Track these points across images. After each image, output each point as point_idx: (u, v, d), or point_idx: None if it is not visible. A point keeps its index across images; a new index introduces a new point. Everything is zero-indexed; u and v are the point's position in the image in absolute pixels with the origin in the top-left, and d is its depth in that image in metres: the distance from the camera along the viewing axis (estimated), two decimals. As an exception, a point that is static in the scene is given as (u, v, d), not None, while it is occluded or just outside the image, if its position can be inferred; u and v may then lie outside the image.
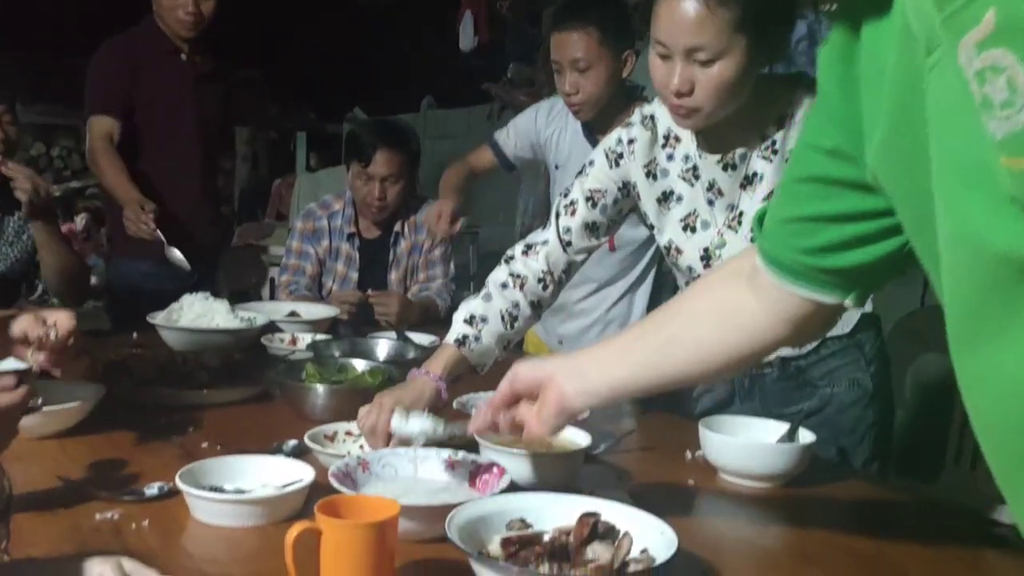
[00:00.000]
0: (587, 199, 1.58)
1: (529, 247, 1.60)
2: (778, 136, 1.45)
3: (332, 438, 1.38)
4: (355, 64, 8.14)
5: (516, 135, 2.50)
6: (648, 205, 1.58)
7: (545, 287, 1.58)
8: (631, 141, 1.57)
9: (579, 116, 2.27)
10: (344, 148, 2.80)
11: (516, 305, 1.55)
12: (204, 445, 1.41)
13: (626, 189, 1.59)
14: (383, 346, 1.97)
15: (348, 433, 1.39)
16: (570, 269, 1.62)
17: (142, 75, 2.65)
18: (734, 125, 1.45)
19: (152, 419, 1.50)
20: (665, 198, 1.56)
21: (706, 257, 1.54)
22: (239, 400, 1.64)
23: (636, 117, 1.60)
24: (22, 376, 1.01)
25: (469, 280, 4.74)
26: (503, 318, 1.54)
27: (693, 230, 1.55)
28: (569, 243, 1.58)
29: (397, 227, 2.74)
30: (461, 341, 1.51)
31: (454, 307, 2.68)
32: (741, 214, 1.50)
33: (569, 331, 2.46)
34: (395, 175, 2.66)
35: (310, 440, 1.33)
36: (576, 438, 1.34)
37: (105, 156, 2.58)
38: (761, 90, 1.42)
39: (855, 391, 1.62)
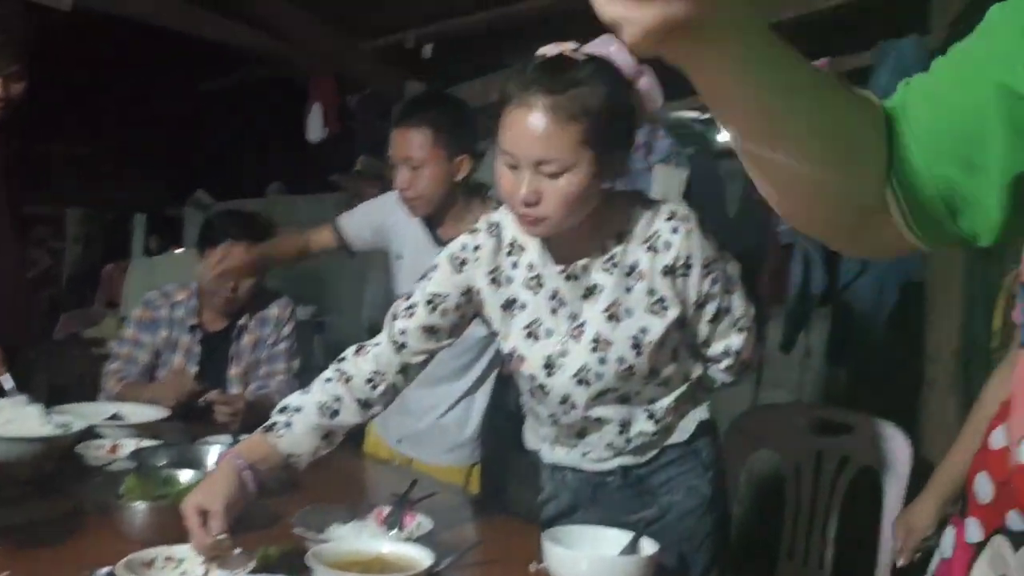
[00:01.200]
0: (427, 303, 1.57)
1: (361, 347, 1.59)
2: (617, 250, 1.50)
3: (150, 565, 1.27)
4: (199, 145, 7.94)
5: (359, 220, 2.49)
6: (493, 312, 1.59)
7: (375, 387, 1.55)
8: (476, 247, 1.58)
9: (412, 212, 2.28)
10: (199, 236, 2.69)
11: (338, 399, 1.52)
12: (5, 574, 1.27)
13: (468, 295, 1.59)
14: (214, 453, 1.85)
15: (168, 559, 1.28)
16: (407, 371, 1.60)
17: None
18: (577, 237, 1.48)
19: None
20: (509, 305, 1.58)
21: (549, 366, 1.55)
22: (47, 519, 1.50)
23: (482, 224, 1.61)
24: None
25: (313, 372, 4.61)
26: (320, 409, 1.50)
27: (536, 338, 1.55)
28: (404, 345, 1.57)
29: (242, 320, 2.64)
30: (269, 427, 1.48)
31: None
32: (583, 324, 1.52)
33: (409, 431, 2.41)
34: (248, 271, 2.58)
35: (125, 569, 1.22)
36: (418, 556, 1.29)
37: None
38: (602, 205, 1.47)
39: (693, 498, 1.64)
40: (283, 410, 1.50)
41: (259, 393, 2.59)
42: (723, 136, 3.17)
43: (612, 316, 1.50)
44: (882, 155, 0.72)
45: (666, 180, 3.46)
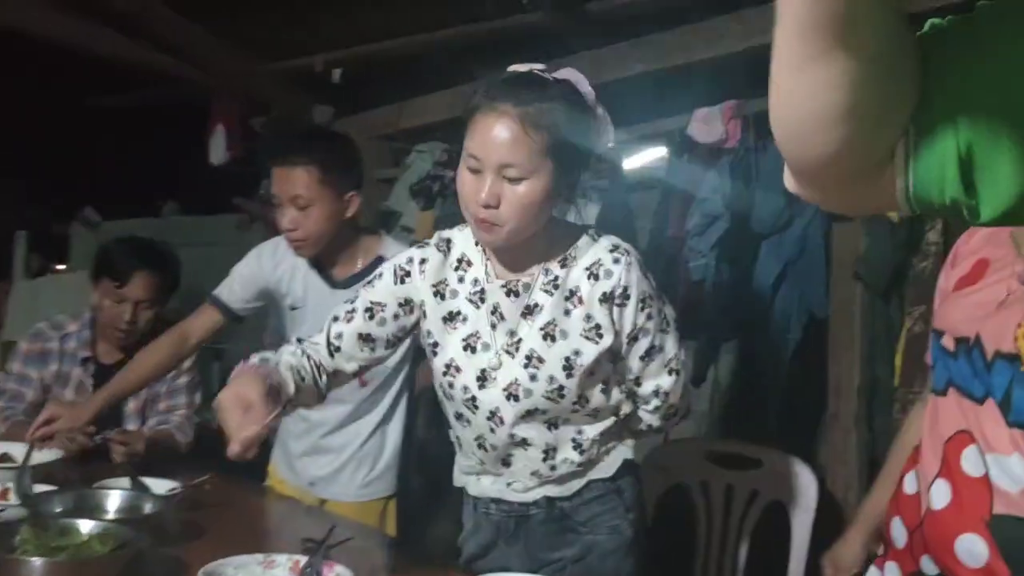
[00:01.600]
0: (366, 310, 1.61)
1: (300, 340, 1.63)
2: (560, 273, 1.55)
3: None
4: (87, 162, 7.62)
5: (241, 285, 2.32)
6: (433, 324, 1.61)
7: (319, 374, 1.59)
8: (423, 260, 1.61)
9: (300, 253, 2.20)
10: (95, 263, 2.55)
11: (302, 367, 1.55)
12: None
13: (408, 306, 1.61)
14: (115, 499, 1.74)
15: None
16: (336, 376, 1.61)
17: None
18: (523, 256, 1.55)
19: None
20: (451, 318, 1.60)
21: (482, 378, 1.57)
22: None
23: (434, 239, 1.64)
24: None
25: (211, 400, 4.46)
26: (290, 368, 1.52)
27: (474, 350, 1.58)
28: (338, 348, 1.60)
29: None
30: (264, 359, 1.50)
31: (197, 442, 2.51)
32: (520, 341, 1.55)
33: (322, 471, 2.33)
34: (151, 300, 2.48)
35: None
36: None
37: None
38: (550, 229, 1.53)
39: (615, 539, 1.65)
40: (262, 358, 1.52)
41: (158, 429, 2.48)
42: (633, 166, 3.22)
43: (548, 335, 1.53)
44: (917, 86, 0.65)
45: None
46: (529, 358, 1.53)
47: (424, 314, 1.61)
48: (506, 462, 1.62)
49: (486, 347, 1.57)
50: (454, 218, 3.48)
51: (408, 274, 1.61)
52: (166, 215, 6.73)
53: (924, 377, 1.90)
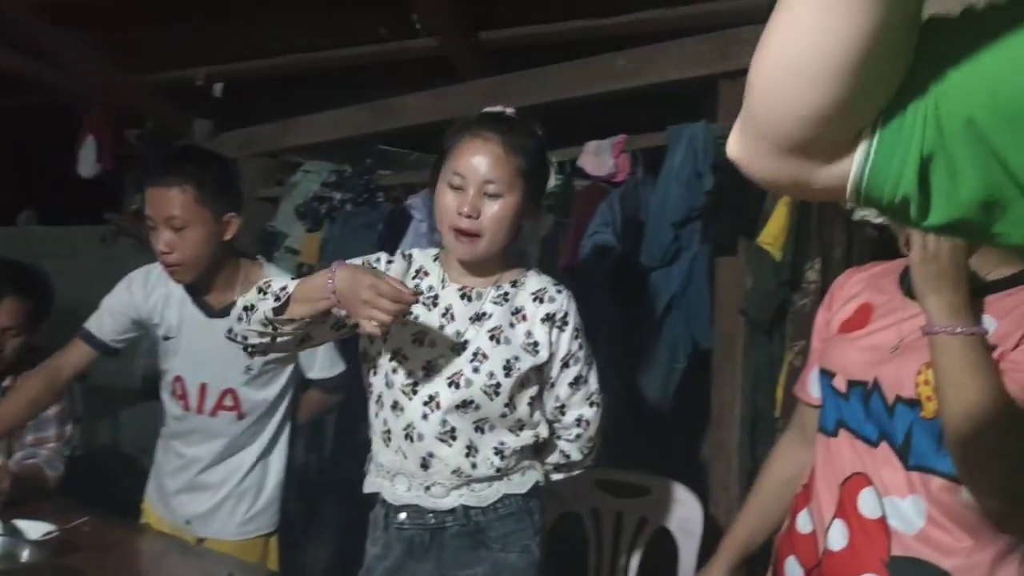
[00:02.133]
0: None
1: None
2: (510, 292, 1.73)
3: None
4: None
5: (112, 318, 2.23)
6: None
7: None
8: (390, 262, 1.76)
9: (176, 279, 2.11)
10: None
11: None
12: None
13: None
14: (-12, 546, 1.63)
15: None
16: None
17: None
18: (480, 271, 1.72)
19: None
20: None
21: (427, 368, 1.68)
22: None
23: (398, 255, 1.79)
24: None
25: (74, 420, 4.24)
26: None
27: (421, 344, 1.69)
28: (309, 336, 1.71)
29: (6, 382, 2.38)
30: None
31: (83, 476, 2.37)
32: (466, 341, 1.69)
33: (200, 508, 2.24)
34: (19, 327, 2.34)
35: None
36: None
37: None
38: (506, 256, 1.74)
39: (525, 557, 1.72)
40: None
41: (25, 463, 2.34)
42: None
43: (494, 338, 1.68)
44: (906, 67, 0.63)
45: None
46: (475, 354, 1.68)
47: None
48: (425, 463, 1.68)
49: (432, 344, 1.69)
50: (342, 240, 3.48)
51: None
52: (21, 224, 6.34)
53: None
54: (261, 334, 1.63)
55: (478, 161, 1.63)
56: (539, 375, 1.72)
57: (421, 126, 3.54)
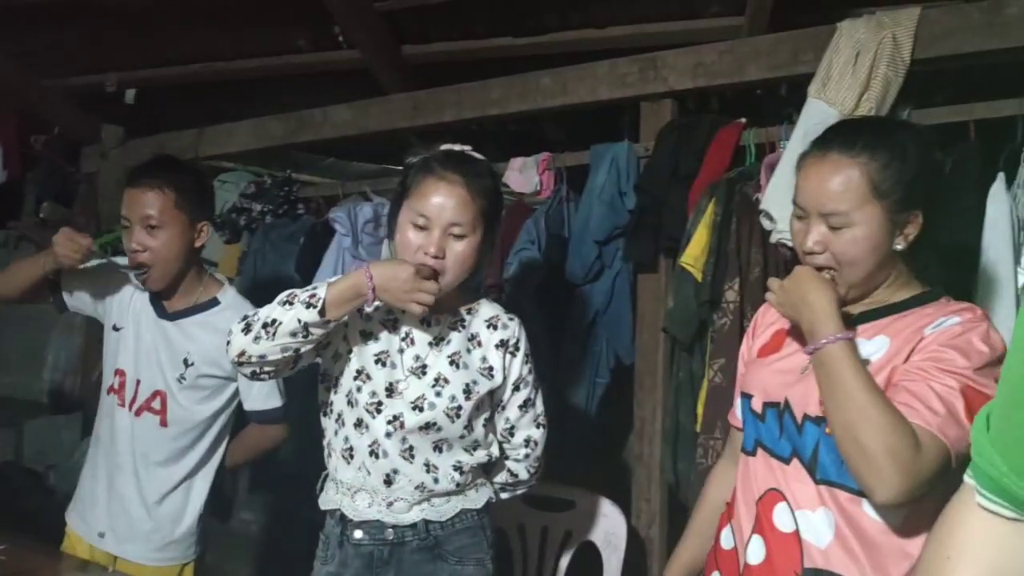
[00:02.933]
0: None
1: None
2: (467, 319, 1.82)
3: None
4: None
5: (82, 281, 2.28)
6: (352, 334, 1.78)
7: None
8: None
9: (146, 283, 2.16)
10: None
11: None
12: None
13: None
14: None
15: None
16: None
17: None
18: (439, 302, 1.73)
19: None
20: (365, 335, 1.78)
21: (390, 390, 1.74)
22: None
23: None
24: None
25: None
26: None
27: (383, 364, 1.76)
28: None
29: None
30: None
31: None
32: (426, 365, 1.77)
33: (115, 523, 2.20)
34: None
35: None
36: None
37: None
38: (465, 286, 1.81)
39: (480, 570, 1.80)
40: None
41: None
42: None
43: (454, 363, 1.77)
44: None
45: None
46: (437, 379, 1.75)
47: (346, 323, 1.77)
48: (389, 480, 1.74)
49: (393, 366, 1.76)
50: (261, 253, 3.42)
51: None
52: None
53: (725, 426, 2.07)
54: (285, 349, 1.63)
55: (443, 203, 1.68)
56: (491, 398, 1.82)
57: (342, 139, 3.52)
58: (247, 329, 1.64)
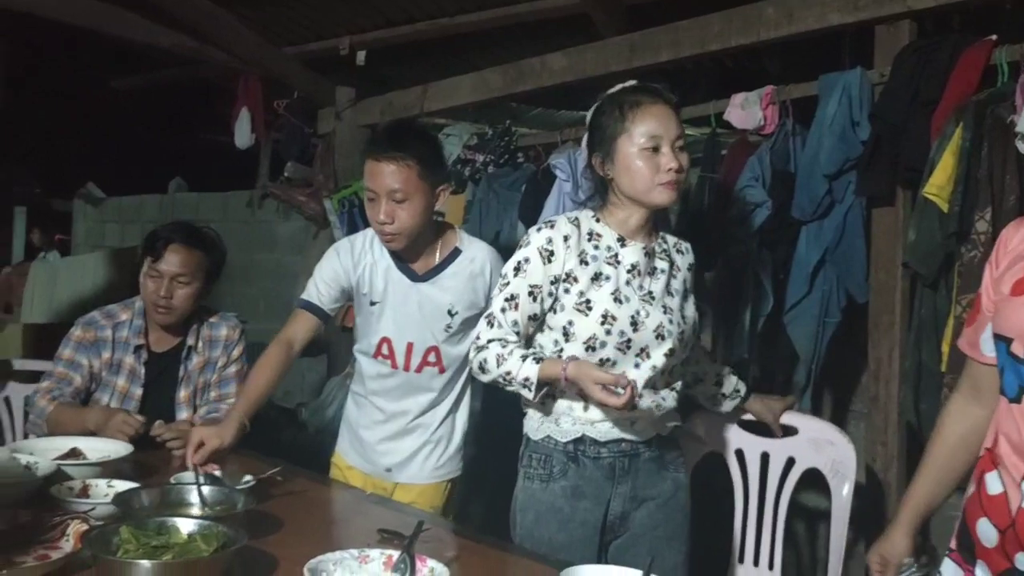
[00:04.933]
0: (529, 294, 1.92)
1: (489, 342, 1.93)
2: (665, 245, 2.02)
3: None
4: (92, 140, 7.58)
5: (325, 286, 2.34)
6: (584, 285, 1.90)
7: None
8: (566, 237, 1.91)
9: (391, 246, 2.25)
10: (143, 245, 2.55)
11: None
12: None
13: (557, 283, 1.91)
14: (196, 494, 1.77)
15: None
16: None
17: None
18: (644, 232, 1.96)
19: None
20: (596, 278, 1.91)
21: (634, 323, 1.88)
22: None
23: (562, 220, 1.95)
24: None
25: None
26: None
27: (620, 302, 1.89)
28: (519, 332, 1.94)
29: (190, 340, 2.55)
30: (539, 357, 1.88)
31: (250, 427, 2.54)
32: (651, 293, 1.94)
33: (400, 457, 2.39)
34: (187, 275, 2.48)
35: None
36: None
37: None
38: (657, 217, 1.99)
39: (686, 477, 2.06)
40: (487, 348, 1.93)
41: (209, 418, 2.50)
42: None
43: (669, 290, 1.97)
44: None
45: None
46: (664, 307, 1.94)
47: (575, 279, 1.90)
48: (635, 404, 1.84)
49: (627, 299, 1.90)
50: (486, 203, 3.55)
51: (553, 253, 1.91)
52: (172, 192, 6.71)
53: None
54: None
55: (668, 121, 1.88)
56: (696, 313, 2.04)
57: (559, 86, 3.56)
58: (482, 371, 1.93)
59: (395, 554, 1.52)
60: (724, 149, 3.05)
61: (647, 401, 1.90)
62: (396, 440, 2.38)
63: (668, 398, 1.97)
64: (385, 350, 2.34)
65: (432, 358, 2.33)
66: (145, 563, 1.37)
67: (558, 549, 1.89)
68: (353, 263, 2.33)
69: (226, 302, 5.04)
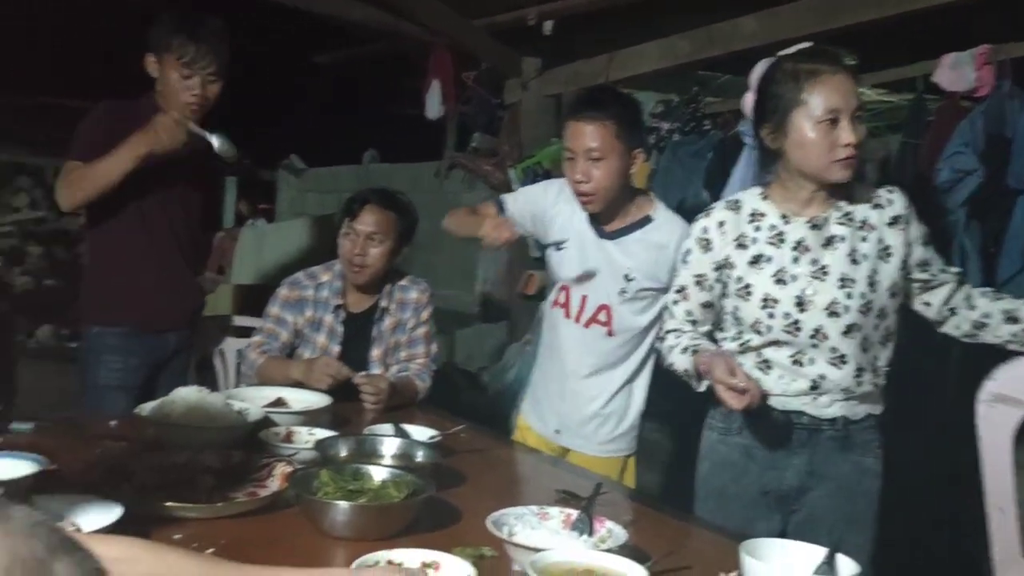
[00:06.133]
0: (696, 283, 1.96)
1: (667, 333, 2.00)
2: (851, 210, 1.87)
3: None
4: (294, 113, 8.02)
5: (524, 202, 2.51)
6: (742, 270, 1.89)
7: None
8: (721, 223, 1.92)
9: (587, 207, 2.32)
10: (342, 209, 2.72)
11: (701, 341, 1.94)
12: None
13: (719, 270, 1.92)
14: (389, 446, 1.87)
15: (390, 562, 1.30)
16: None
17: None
18: (817, 199, 1.86)
19: (167, 533, 1.40)
20: (756, 261, 1.88)
21: (800, 304, 1.83)
22: (249, 511, 1.54)
23: (719, 206, 1.96)
24: None
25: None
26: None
27: (784, 283, 1.84)
28: (695, 321, 1.97)
29: (383, 302, 2.68)
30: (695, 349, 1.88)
31: (434, 387, 2.65)
32: (826, 267, 1.84)
33: (568, 420, 2.44)
34: (380, 234, 2.61)
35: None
36: (631, 572, 1.29)
37: (78, 170, 2.46)
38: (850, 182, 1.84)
39: (878, 464, 1.93)
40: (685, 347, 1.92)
41: (400, 376, 2.62)
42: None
43: (852, 260, 1.83)
44: None
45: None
46: (842, 280, 1.82)
47: (733, 264, 1.90)
48: (816, 385, 1.85)
49: (793, 279, 1.84)
50: (669, 171, 3.49)
51: (709, 241, 1.93)
52: (366, 163, 7.01)
53: None
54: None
55: (849, 92, 1.77)
56: (901, 270, 1.87)
57: (748, 51, 3.43)
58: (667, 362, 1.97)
59: (574, 514, 1.55)
60: (930, 114, 2.86)
61: (832, 382, 1.85)
62: (565, 401, 2.42)
63: (866, 383, 1.87)
64: (562, 299, 2.42)
65: (603, 317, 2.36)
66: (344, 504, 1.47)
67: (730, 501, 1.92)
68: (554, 200, 2.44)
69: (414, 270, 5.25)
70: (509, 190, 4.36)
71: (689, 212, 3.09)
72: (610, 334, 2.36)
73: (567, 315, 2.41)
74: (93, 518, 1.32)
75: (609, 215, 2.34)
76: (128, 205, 2.57)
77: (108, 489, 1.49)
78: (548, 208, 2.44)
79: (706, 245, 1.93)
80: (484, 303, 4.83)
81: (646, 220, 2.34)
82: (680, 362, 1.91)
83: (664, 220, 2.34)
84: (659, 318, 2.35)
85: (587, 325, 2.38)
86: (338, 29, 4.57)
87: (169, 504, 1.48)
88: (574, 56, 4.18)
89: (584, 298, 2.38)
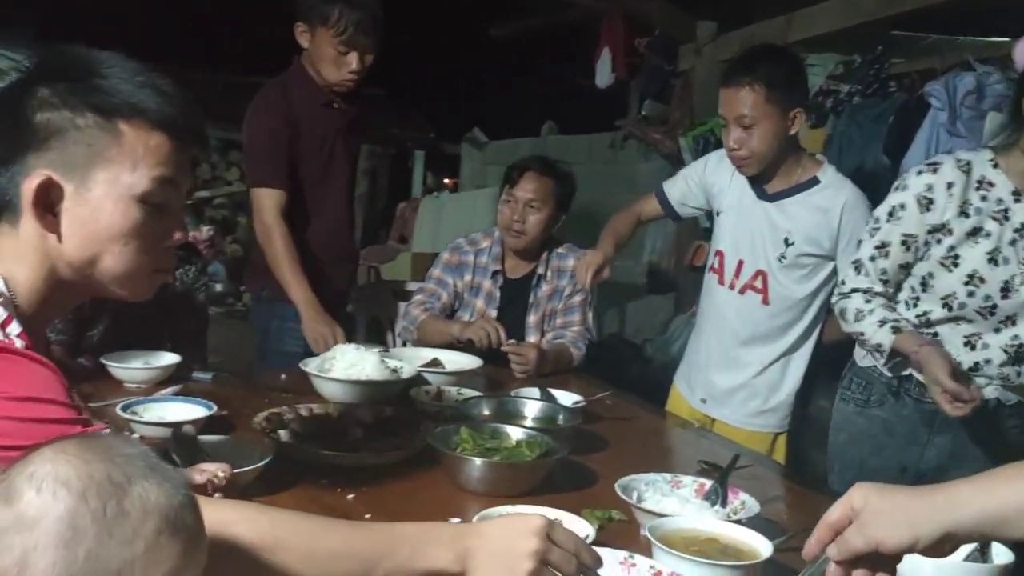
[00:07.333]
0: (901, 243, 1.82)
1: (853, 291, 1.88)
2: None
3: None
4: (475, 87, 8.20)
5: (684, 183, 2.51)
6: (957, 239, 1.77)
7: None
8: (949, 185, 1.76)
9: (743, 171, 2.27)
10: (503, 178, 2.79)
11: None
12: (367, 517, 1.38)
13: (933, 233, 1.79)
14: (531, 407, 1.92)
15: (512, 517, 1.33)
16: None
17: (300, 130, 2.57)
18: None
19: (313, 477, 1.50)
20: (974, 233, 1.76)
21: (1005, 289, 1.74)
22: (391, 463, 1.62)
23: (948, 162, 1.78)
24: None
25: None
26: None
27: (996, 263, 1.74)
28: (886, 281, 1.87)
29: (540, 269, 2.72)
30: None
31: (589, 356, 2.66)
32: None
33: (715, 390, 2.39)
34: (539, 201, 2.65)
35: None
36: (757, 545, 1.26)
37: (280, 238, 2.48)
38: None
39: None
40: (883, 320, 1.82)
41: (555, 342, 2.65)
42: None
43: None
44: None
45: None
46: None
47: (949, 231, 1.77)
48: (978, 367, 1.79)
49: (1006, 261, 1.73)
50: (847, 136, 3.31)
51: (932, 201, 1.78)
52: (544, 135, 7.08)
53: None
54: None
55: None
56: None
57: (940, 6, 3.19)
58: (842, 318, 1.90)
59: (708, 483, 1.52)
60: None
61: (994, 367, 1.79)
62: (713, 370, 2.38)
63: None
64: (717, 264, 2.39)
65: (759, 283, 2.30)
66: (476, 460, 1.53)
67: (868, 476, 1.78)
68: (715, 168, 2.43)
69: (584, 240, 5.28)
70: (679, 159, 4.29)
71: (866, 179, 2.94)
72: (765, 302, 2.29)
73: (721, 281, 2.38)
74: (247, 461, 1.43)
75: (770, 176, 2.27)
76: (298, 192, 2.62)
77: (267, 434, 1.61)
78: (707, 179, 2.44)
79: (927, 205, 1.79)
80: (652, 274, 4.78)
81: (812, 182, 2.25)
82: (876, 335, 1.80)
83: (831, 183, 2.24)
84: (823, 291, 2.27)
85: (742, 292, 2.33)
86: (514, 1, 4.63)
87: (319, 451, 1.58)
88: (750, 19, 4.03)
89: (740, 263, 2.33)
